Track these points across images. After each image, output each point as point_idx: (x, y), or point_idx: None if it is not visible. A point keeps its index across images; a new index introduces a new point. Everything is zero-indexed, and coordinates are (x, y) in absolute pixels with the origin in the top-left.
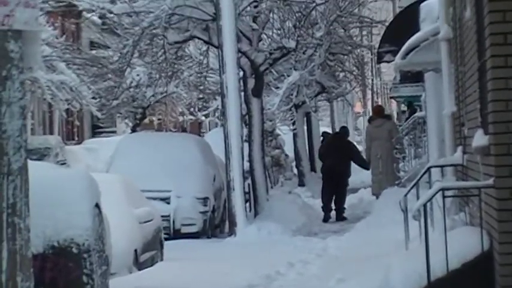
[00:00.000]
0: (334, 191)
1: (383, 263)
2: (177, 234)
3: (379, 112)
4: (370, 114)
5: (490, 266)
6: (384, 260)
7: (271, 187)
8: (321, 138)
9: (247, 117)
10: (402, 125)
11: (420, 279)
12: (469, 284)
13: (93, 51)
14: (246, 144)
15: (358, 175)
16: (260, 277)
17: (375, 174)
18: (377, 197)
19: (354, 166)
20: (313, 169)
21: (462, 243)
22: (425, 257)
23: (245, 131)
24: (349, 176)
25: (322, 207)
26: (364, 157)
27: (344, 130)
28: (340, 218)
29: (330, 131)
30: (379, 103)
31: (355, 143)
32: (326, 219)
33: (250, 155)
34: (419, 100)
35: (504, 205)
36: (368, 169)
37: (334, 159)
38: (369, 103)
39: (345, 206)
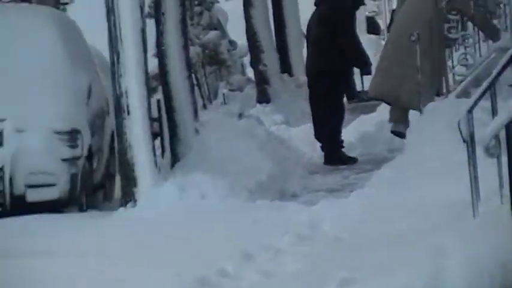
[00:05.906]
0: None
1: (427, 247)
2: (18, 205)
3: None
4: None
5: None
6: (429, 240)
7: (204, 106)
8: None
9: None
10: None
11: (505, 272)
12: None
13: None
14: (150, 23)
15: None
16: (190, 285)
17: (408, 77)
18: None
19: None
20: (287, 68)
21: None
22: None
23: None
24: (338, 80)
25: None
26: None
27: None
28: (337, 157)
29: None
30: None
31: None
32: (329, 161)
33: (159, 44)
34: None
35: None
36: (370, 72)
37: (313, 53)
38: None
39: (342, 137)
